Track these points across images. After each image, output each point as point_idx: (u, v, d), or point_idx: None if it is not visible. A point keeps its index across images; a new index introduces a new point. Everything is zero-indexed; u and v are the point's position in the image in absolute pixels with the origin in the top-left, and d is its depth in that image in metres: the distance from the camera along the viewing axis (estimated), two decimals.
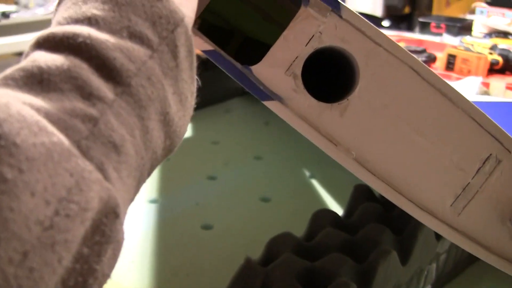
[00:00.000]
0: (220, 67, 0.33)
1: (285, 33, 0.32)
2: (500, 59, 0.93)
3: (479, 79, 0.87)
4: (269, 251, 0.49)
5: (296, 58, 0.32)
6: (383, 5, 1.51)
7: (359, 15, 0.31)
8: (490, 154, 0.32)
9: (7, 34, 1.62)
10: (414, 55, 0.94)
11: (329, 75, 0.35)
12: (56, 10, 0.26)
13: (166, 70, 0.24)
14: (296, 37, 0.32)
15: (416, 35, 1.20)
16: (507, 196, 0.32)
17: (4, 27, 1.58)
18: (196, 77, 0.27)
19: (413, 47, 1.02)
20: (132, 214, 0.67)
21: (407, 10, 1.51)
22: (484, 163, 0.32)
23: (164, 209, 0.70)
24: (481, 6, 1.34)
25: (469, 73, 0.92)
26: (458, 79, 0.90)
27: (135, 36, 0.23)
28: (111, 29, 0.23)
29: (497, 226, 0.32)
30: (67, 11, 0.24)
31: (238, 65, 0.33)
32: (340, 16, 0.31)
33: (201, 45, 0.32)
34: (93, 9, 0.23)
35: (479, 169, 0.32)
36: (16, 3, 1.72)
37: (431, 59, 0.98)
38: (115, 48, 0.22)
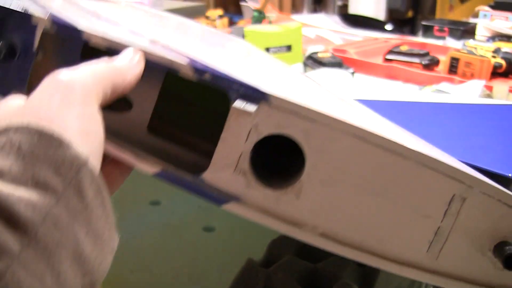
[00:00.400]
0: (172, 185, 0.33)
1: (222, 135, 0.31)
2: (503, 62, 0.93)
3: (482, 82, 0.87)
4: (271, 253, 0.49)
5: (241, 155, 0.32)
6: (386, 8, 1.52)
7: (289, 99, 0.31)
8: (454, 195, 0.31)
9: None
10: (417, 58, 0.93)
11: (280, 157, 0.35)
12: None
13: (74, 213, 0.24)
14: (234, 136, 0.31)
15: (419, 39, 1.21)
16: (481, 229, 0.32)
17: None
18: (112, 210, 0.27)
19: (416, 50, 1.02)
20: (135, 216, 0.67)
21: (410, 14, 1.52)
22: (449, 204, 0.31)
23: (166, 211, 0.69)
24: (485, 10, 1.34)
25: (472, 76, 0.92)
26: (461, 82, 0.90)
27: (40, 185, 0.24)
28: (16, 180, 0.23)
29: (479, 259, 0.32)
30: None
31: (189, 177, 0.33)
32: (270, 105, 0.31)
33: (149, 169, 0.32)
34: None
35: (446, 211, 0.32)
36: None
37: (434, 62, 0.98)
38: (20, 200, 0.23)
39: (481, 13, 1.34)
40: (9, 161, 0.24)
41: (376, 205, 0.32)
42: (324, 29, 1.34)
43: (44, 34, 0.33)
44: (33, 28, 0.33)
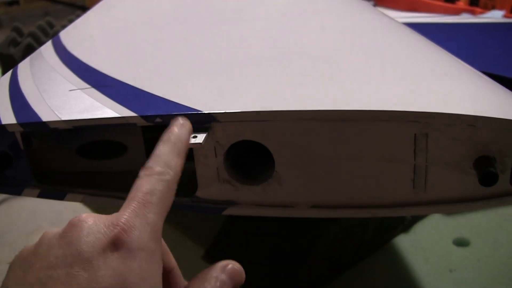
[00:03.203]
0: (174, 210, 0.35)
1: (195, 159, 0.34)
2: None
3: (502, 12, 0.88)
4: None
5: (217, 168, 0.35)
6: None
7: (233, 110, 0.33)
8: (415, 134, 0.32)
9: None
10: None
11: (257, 153, 0.36)
12: None
13: None
14: (203, 157, 0.34)
15: None
16: (455, 153, 0.33)
17: None
18: None
19: None
20: None
21: None
22: (415, 143, 0.33)
23: None
24: None
25: (493, 8, 0.93)
26: (481, 12, 0.91)
27: None
28: None
29: (464, 178, 0.33)
30: None
31: (187, 200, 0.36)
32: (220, 121, 0.33)
33: None
34: None
35: (414, 150, 0.33)
36: None
37: None
38: None
39: None
40: None
41: (350, 167, 0.34)
42: None
43: (24, 132, 0.36)
44: (12, 133, 0.36)
